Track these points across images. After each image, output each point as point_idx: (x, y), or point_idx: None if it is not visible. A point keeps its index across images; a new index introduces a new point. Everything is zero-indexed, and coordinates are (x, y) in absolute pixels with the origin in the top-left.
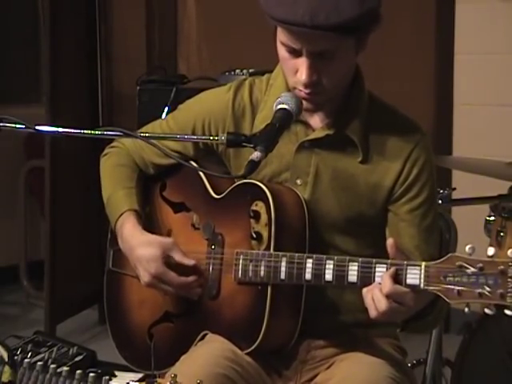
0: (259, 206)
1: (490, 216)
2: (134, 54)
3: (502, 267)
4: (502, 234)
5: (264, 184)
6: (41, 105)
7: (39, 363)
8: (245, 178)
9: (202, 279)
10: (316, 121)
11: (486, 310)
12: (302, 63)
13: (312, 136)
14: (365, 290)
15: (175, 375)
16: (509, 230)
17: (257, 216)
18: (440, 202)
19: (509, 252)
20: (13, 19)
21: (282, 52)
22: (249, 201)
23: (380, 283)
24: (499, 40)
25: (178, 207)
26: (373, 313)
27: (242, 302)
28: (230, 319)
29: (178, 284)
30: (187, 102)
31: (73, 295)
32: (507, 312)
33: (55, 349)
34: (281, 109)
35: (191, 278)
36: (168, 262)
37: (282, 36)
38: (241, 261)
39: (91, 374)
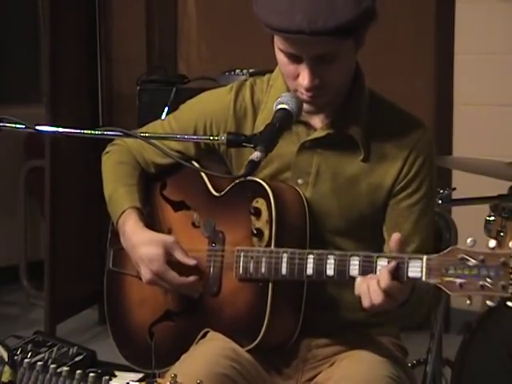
0: (260, 203)
1: (490, 216)
2: (134, 54)
3: (503, 259)
4: (501, 233)
5: (265, 181)
6: (41, 105)
7: (39, 363)
8: (245, 178)
9: (202, 278)
10: (317, 121)
11: (488, 302)
12: (303, 68)
13: (313, 136)
14: (360, 278)
15: (175, 375)
16: (509, 229)
17: (257, 213)
18: (440, 201)
19: (510, 244)
20: (13, 19)
21: (281, 57)
22: (249, 198)
23: (379, 278)
24: (499, 40)
25: (178, 206)
26: (367, 303)
27: (243, 300)
28: (231, 317)
29: (179, 283)
30: (188, 103)
31: (73, 295)
32: (509, 304)
33: (55, 349)
34: (281, 109)
35: (192, 278)
36: (170, 260)
37: (279, 43)
38: (242, 258)
39: (91, 374)
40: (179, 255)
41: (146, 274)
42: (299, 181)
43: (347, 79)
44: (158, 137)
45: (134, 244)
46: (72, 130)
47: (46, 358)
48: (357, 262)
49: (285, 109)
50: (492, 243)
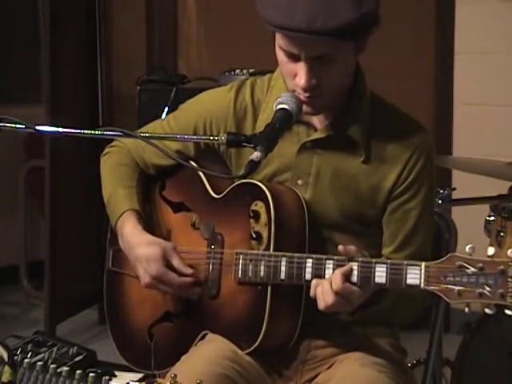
0: (259, 206)
1: (490, 216)
2: (134, 54)
3: (501, 267)
4: (501, 233)
5: (264, 184)
6: (41, 105)
7: (39, 363)
8: (244, 178)
9: (201, 279)
10: (318, 121)
11: (487, 310)
12: (301, 68)
13: (314, 136)
14: (314, 281)
15: (175, 375)
16: (509, 229)
17: (256, 216)
18: (440, 201)
19: (509, 252)
20: (13, 19)
21: (281, 56)
22: (248, 201)
23: (330, 279)
24: (499, 40)
25: (177, 207)
26: (321, 304)
27: (242, 302)
28: (230, 319)
29: (179, 284)
30: (188, 102)
31: (73, 295)
32: (507, 312)
33: (55, 349)
34: (281, 109)
35: (191, 279)
36: (167, 265)
37: (280, 41)
38: (240, 261)
39: (91, 374)
40: (176, 263)
41: (144, 277)
42: (299, 181)
43: (345, 82)
44: (158, 137)
45: (132, 246)
46: (72, 130)
47: (46, 358)
48: (355, 268)
49: (285, 109)
50: (491, 251)
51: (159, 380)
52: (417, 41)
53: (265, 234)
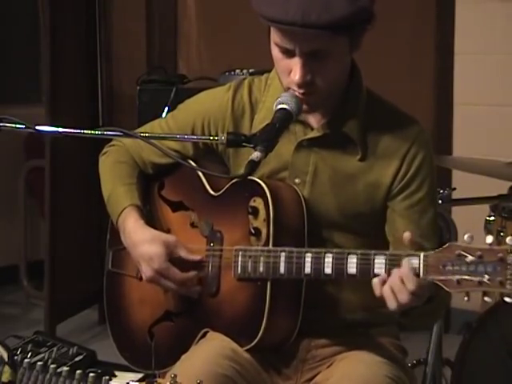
0: (257, 202)
1: (490, 216)
2: (134, 54)
3: (500, 255)
4: (501, 233)
5: (262, 180)
6: (41, 105)
7: (39, 363)
8: (245, 178)
9: (200, 279)
10: (314, 120)
11: (486, 298)
12: (296, 63)
13: (310, 135)
14: (377, 280)
15: (175, 375)
16: (509, 230)
17: (255, 212)
18: (440, 201)
19: (508, 239)
20: (13, 19)
21: (276, 53)
22: (247, 197)
23: (403, 278)
24: (499, 40)
25: (176, 206)
26: (392, 304)
27: (242, 299)
28: (230, 316)
29: (181, 279)
30: (186, 102)
31: (73, 295)
32: (507, 299)
33: (55, 349)
34: (281, 109)
35: (193, 273)
36: (170, 259)
37: (275, 37)
38: (240, 257)
39: (91, 374)
40: (183, 253)
41: (146, 272)
42: (296, 180)
43: (341, 79)
44: (158, 137)
45: (135, 242)
46: (72, 130)
47: (45, 358)
48: (354, 260)
49: (285, 109)
50: (489, 239)
51: (159, 380)
52: (417, 41)
53: (264, 230)
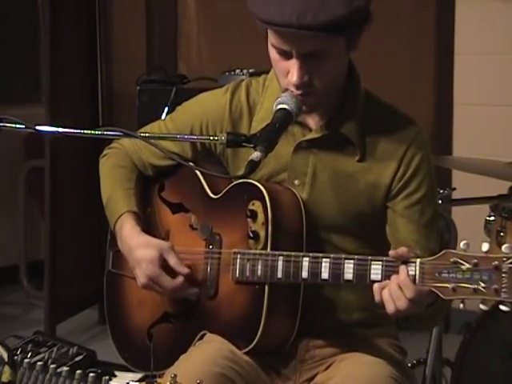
0: (256, 206)
1: (490, 216)
2: (134, 54)
3: (496, 263)
4: (501, 234)
5: (261, 183)
6: (41, 105)
7: (39, 363)
8: (244, 179)
9: (200, 280)
10: (313, 121)
11: (481, 306)
12: (293, 65)
13: (309, 136)
14: (377, 285)
15: (175, 375)
16: (509, 229)
17: (254, 215)
18: (440, 201)
19: (503, 247)
20: (13, 19)
21: (273, 54)
22: (246, 200)
23: (400, 284)
24: (499, 40)
25: (176, 208)
26: (391, 309)
27: (240, 302)
28: (229, 319)
29: (172, 288)
30: (185, 104)
31: (73, 295)
32: (502, 307)
33: (55, 349)
34: (281, 109)
35: (183, 282)
36: (164, 265)
37: (271, 38)
38: (238, 260)
39: (91, 374)
40: (173, 262)
41: (140, 278)
42: (296, 181)
43: (338, 80)
44: (157, 137)
45: (130, 248)
46: (72, 130)
47: (45, 358)
48: (351, 266)
49: (285, 109)
50: (485, 247)
51: (159, 380)
52: (417, 41)
53: (262, 234)
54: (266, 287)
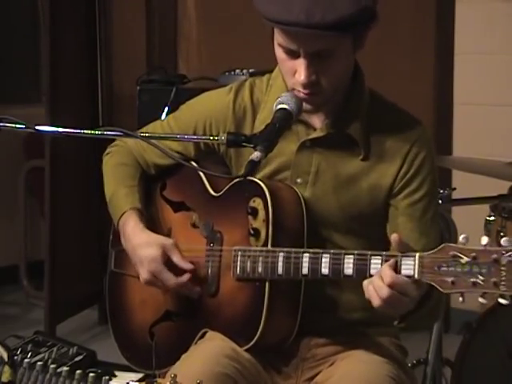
0: (257, 203)
1: (490, 216)
2: (134, 53)
3: (495, 256)
4: (501, 233)
5: (262, 181)
6: (41, 105)
7: (39, 363)
8: (245, 178)
9: (201, 278)
10: (317, 120)
11: (480, 300)
12: (300, 64)
13: (313, 135)
14: (365, 281)
15: (175, 375)
16: (509, 230)
17: (254, 212)
18: (440, 201)
19: (502, 241)
20: (13, 19)
21: (280, 53)
22: (247, 198)
23: (381, 274)
24: (499, 40)
25: (177, 206)
26: (376, 301)
27: (241, 299)
28: (230, 316)
29: (174, 284)
30: (188, 103)
31: (73, 295)
32: (501, 301)
33: (55, 349)
34: (281, 109)
35: (186, 278)
36: (168, 261)
37: (278, 37)
38: (239, 258)
39: (91, 374)
40: (176, 258)
41: (143, 274)
42: (298, 180)
43: (344, 78)
44: (158, 137)
45: (134, 245)
46: (72, 130)
47: (45, 358)
48: (351, 261)
49: (285, 109)
50: (484, 240)
51: (159, 380)
52: (417, 41)
53: (263, 231)
54: (267, 284)
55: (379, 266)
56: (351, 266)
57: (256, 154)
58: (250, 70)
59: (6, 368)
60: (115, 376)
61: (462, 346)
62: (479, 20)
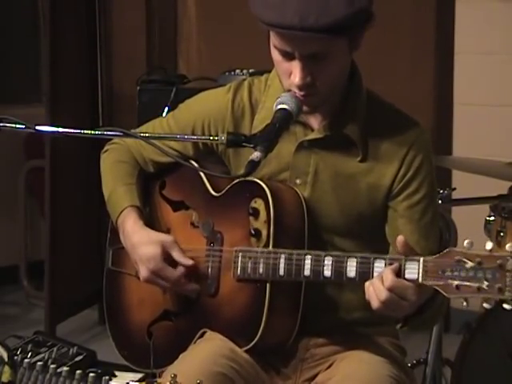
0: (258, 204)
1: (490, 216)
2: (134, 53)
3: (500, 261)
4: (501, 234)
5: (263, 181)
6: (41, 105)
7: (39, 363)
8: (245, 178)
9: (201, 277)
10: (315, 121)
11: (485, 305)
12: (295, 66)
13: (311, 136)
14: (367, 283)
15: (175, 375)
16: (509, 229)
17: (256, 213)
18: (440, 201)
19: (507, 246)
20: (13, 19)
21: (276, 55)
22: (248, 198)
23: (382, 277)
24: (499, 40)
25: (177, 205)
26: (375, 303)
27: (241, 300)
28: (229, 317)
29: (176, 279)
30: (187, 102)
31: (73, 295)
32: (505, 306)
33: (55, 349)
34: (281, 109)
35: (186, 272)
36: (168, 259)
37: (274, 40)
38: (240, 258)
39: (91, 374)
40: (176, 255)
41: (143, 272)
42: (297, 181)
43: (341, 80)
44: (158, 137)
45: (133, 243)
46: (72, 130)
47: (45, 357)
48: (354, 264)
49: (285, 109)
50: (489, 245)
51: (159, 380)
52: (417, 41)
53: (264, 232)
54: (268, 285)
55: (382, 269)
56: (354, 268)
57: (256, 154)
58: (250, 70)
59: (6, 368)
60: (115, 376)
61: (462, 345)
62: (479, 20)
